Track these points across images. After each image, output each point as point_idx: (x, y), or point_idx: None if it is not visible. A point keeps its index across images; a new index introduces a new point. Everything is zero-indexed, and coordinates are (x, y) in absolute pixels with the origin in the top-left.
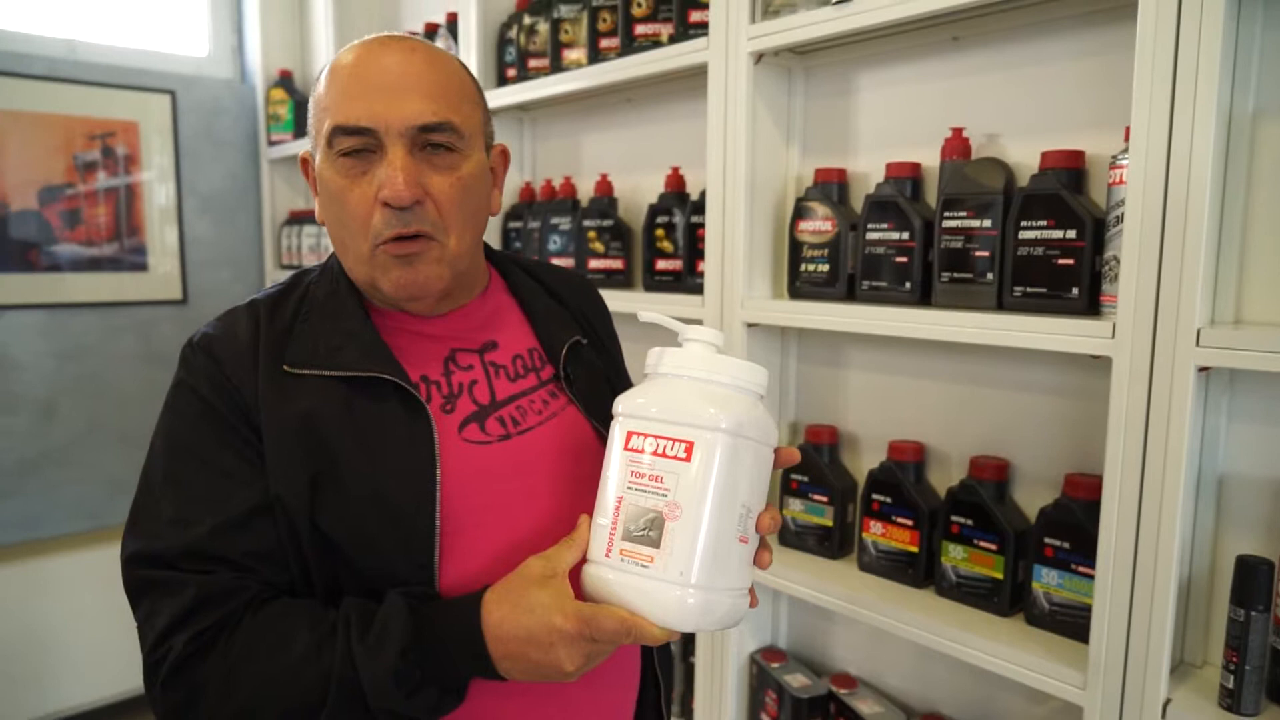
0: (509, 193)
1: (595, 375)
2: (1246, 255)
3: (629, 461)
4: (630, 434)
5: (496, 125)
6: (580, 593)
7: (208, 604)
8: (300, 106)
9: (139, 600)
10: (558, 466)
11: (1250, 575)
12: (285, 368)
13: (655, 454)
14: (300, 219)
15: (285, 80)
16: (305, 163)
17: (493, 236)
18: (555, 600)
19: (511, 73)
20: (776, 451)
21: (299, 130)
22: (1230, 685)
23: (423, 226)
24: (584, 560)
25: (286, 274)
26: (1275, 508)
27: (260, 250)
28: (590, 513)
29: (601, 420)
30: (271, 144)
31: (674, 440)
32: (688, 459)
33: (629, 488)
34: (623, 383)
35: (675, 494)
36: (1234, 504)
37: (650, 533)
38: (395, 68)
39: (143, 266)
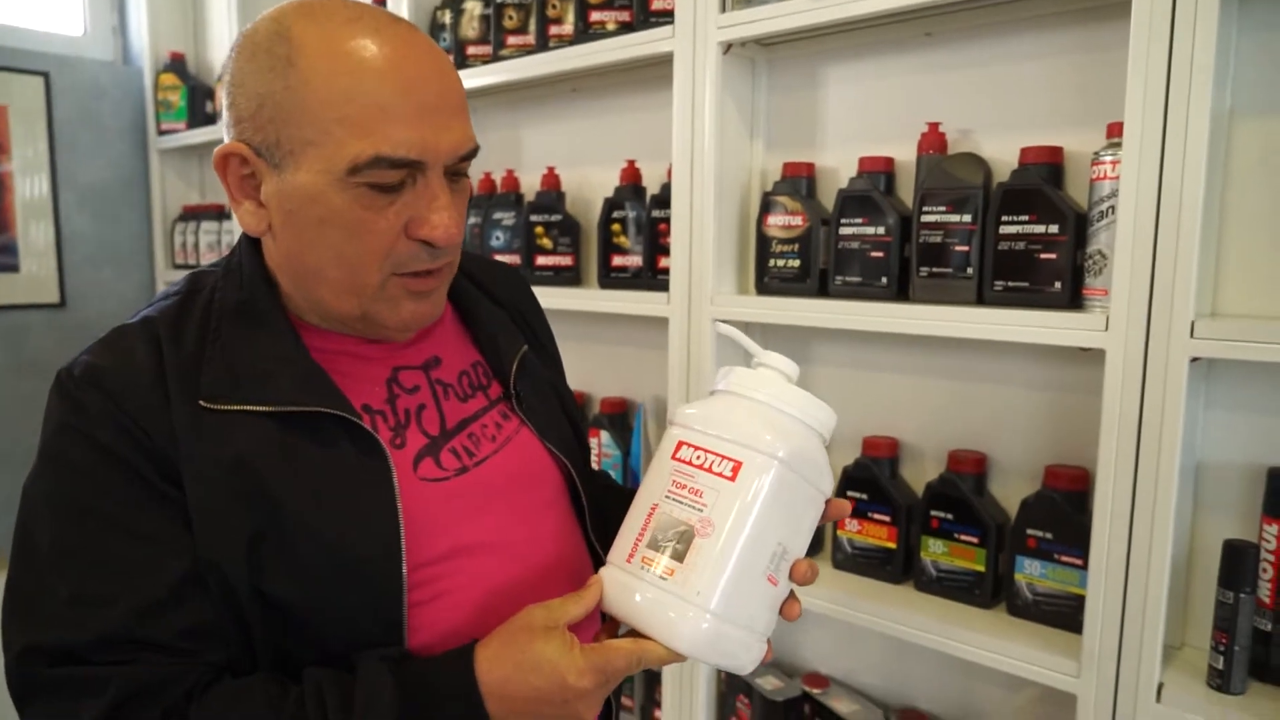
0: None
1: (544, 390)
2: (1223, 249)
3: (673, 470)
4: (680, 443)
5: None
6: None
7: (137, 701)
8: (195, 92)
9: (33, 703)
10: (519, 499)
11: (1238, 558)
12: (202, 403)
13: (700, 467)
14: (197, 214)
15: (177, 64)
16: (230, 159)
17: None
18: (565, 656)
19: None
20: (827, 502)
21: (193, 119)
22: (1220, 666)
23: (452, 258)
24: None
25: (179, 274)
26: (1249, 492)
27: (149, 248)
28: (564, 552)
29: (555, 442)
30: (162, 133)
31: (722, 457)
32: (733, 479)
33: (666, 496)
34: (563, 383)
35: (711, 511)
36: (1210, 489)
37: (677, 545)
38: (434, 78)
39: (12, 267)
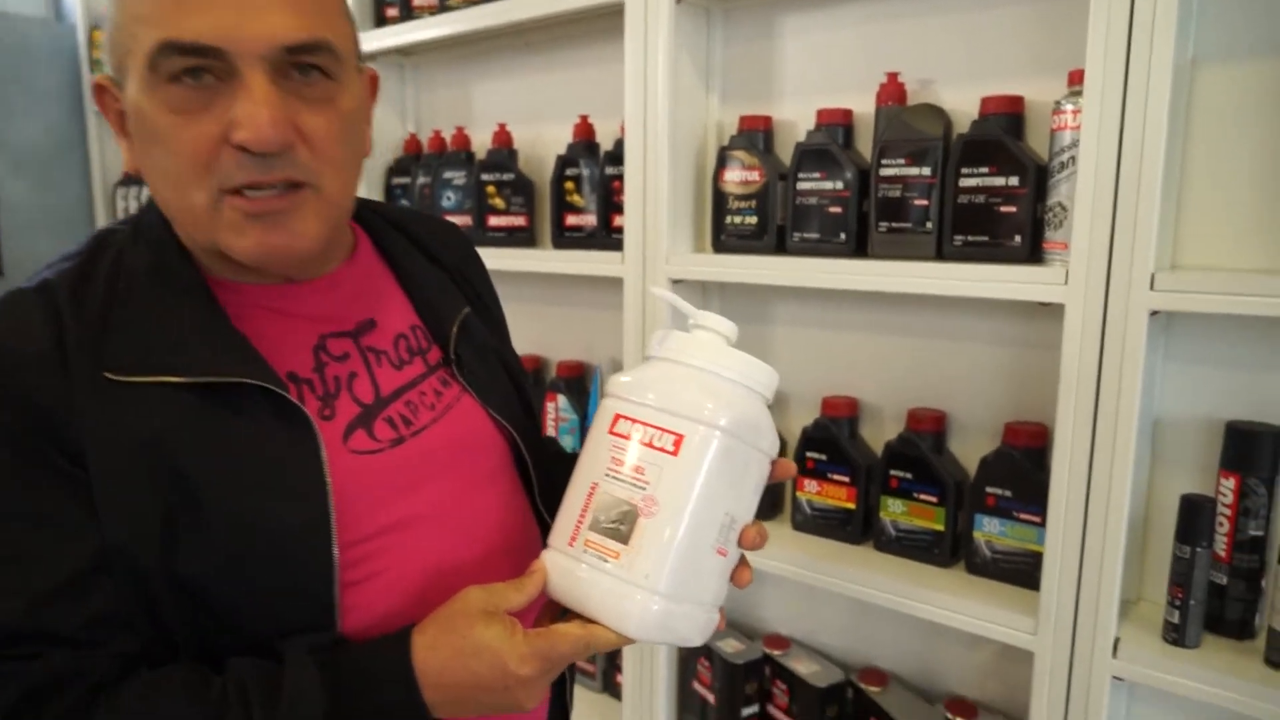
0: (391, 146)
1: (487, 354)
2: (1183, 201)
3: (611, 446)
4: (618, 416)
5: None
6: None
7: (41, 698)
8: None
9: None
10: (460, 471)
11: (1196, 513)
12: (108, 375)
13: (641, 442)
14: (139, 178)
15: None
16: (103, 91)
17: (374, 194)
18: (506, 641)
19: (392, 12)
20: (773, 463)
21: None
22: (1175, 620)
23: (292, 173)
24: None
25: None
26: (1207, 446)
27: (90, 214)
28: (508, 525)
29: (500, 409)
30: None
31: (663, 430)
32: (675, 453)
33: (606, 475)
34: (508, 348)
35: (655, 489)
36: (1168, 443)
37: (620, 526)
38: None
39: None
